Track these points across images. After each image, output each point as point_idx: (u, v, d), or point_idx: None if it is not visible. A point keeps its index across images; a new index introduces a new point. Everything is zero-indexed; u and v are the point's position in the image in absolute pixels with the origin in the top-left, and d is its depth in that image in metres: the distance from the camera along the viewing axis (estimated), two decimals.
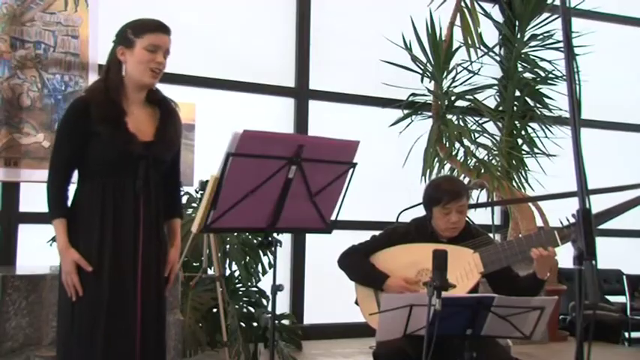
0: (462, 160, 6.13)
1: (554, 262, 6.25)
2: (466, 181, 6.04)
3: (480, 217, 5.83)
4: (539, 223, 6.18)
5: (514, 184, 6.27)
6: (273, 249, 2.60)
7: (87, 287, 2.44)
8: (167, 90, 2.77)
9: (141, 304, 2.47)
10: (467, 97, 6.29)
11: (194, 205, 4.71)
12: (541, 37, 6.50)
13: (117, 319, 2.44)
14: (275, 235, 2.60)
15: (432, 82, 6.27)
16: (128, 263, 2.47)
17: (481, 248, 3.08)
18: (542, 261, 2.95)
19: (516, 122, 6.47)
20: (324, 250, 4.38)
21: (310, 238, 6.07)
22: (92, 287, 2.44)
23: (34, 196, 4.95)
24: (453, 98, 6.28)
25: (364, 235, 3.35)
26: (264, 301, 4.80)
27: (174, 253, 2.69)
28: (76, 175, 2.57)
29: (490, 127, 6.47)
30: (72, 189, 2.59)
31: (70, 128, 2.51)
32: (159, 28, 2.55)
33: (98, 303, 2.43)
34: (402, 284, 3.06)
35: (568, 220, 2.98)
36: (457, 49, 6.25)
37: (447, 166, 6.21)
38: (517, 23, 6.54)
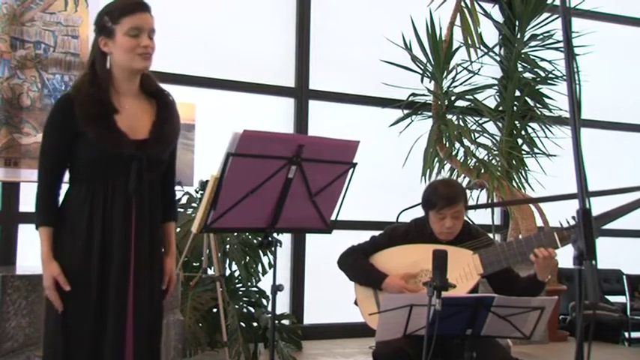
0: (462, 160, 6.14)
1: (555, 263, 6.30)
2: (466, 181, 6.05)
3: (480, 217, 5.84)
4: (539, 223, 6.18)
5: (514, 184, 6.27)
6: (273, 249, 2.59)
7: (74, 298, 2.28)
8: (167, 90, 2.63)
9: (133, 313, 2.31)
10: (467, 97, 6.29)
11: (194, 205, 4.71)
12: (541, 37, 6.50)
13: (104, 333, 2.28)
14: (275, 235, 2.59)
15: (432, 82, 6.28)
16: (118, 270, 2.29)
17: (480, 250, 3.07)
18: (542, 262, 2.94)
19: (516, 122, 6.48)
20: (324, 250, 4.38)
21: (310, 238, 6.07)
22: (77, 300, 2.28)
23: (34, 196, 4.95)
24: (453, 98, 6.28)
25: (364, 235, 3.35)
26: (264, 301, 4.80)
27: (171, 262, 2.51)
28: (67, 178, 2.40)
29: (490, 127, 6.47)
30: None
31: (54, 129, 2.34)
32: (136, 7, 2.31)
33: (83, 317, 2.28)
34: (400, 283, 3.06)
35: (568, 222, 2.98)
36: (457, 49, 6.25)
37: (447, 166, 6.21)
38: (517, 23, 6.55)
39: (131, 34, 2.29)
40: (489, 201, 6.24)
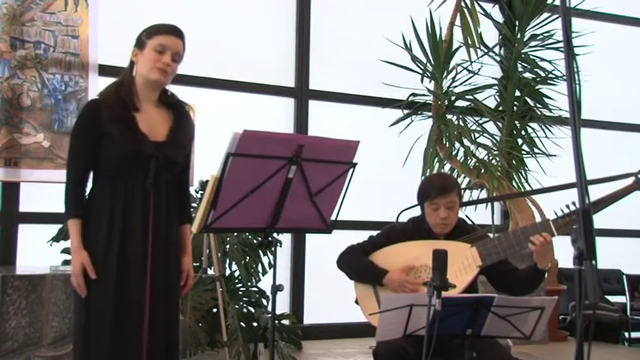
0: (462, 160, 6.13)
1: (555, 262, 6.31)
2: (466, 181, 6.04)
3: (480, 217, 5.84)
4: None
5: (514, 184, 6.27)
6: (273, 249, 2.60)
7: (95, 287, 2.48)
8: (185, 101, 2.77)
9: (150, 303, 2.49)
10: (467, 97, 6.29)
11: (194, 205, 4.71)
12: (541, 37, 6.50)
13: (124, 318, 2.47)
14: (275, 235, 2.60)
15: (432, 82, 6.28)
16: (136, 262, 2.48)
17: (478, 242, 3.08)
18: (540, 249, 2.95)
19: (516, 122, 6.47)
20: (324, 250, 4.38)
21: (310, 238, 6.07)
22: (100, 286, 2.48)
23: (34, 196, 4.96)
24: (453, 98, 6.28)
25: (364, 235, 3.35)
26: (264, 301, 4.80)
27: (188, 260, 2.71)
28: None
29: (490, 127, 6.47)
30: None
31: (81, 129, 2.57)
32: (170, 30, 2.62)
33: (105, 302, 2.47)
34: (402, 276, 3.06)
35: (562, 210, 2.99)
36: (457, 49, 6.25)
37: (447, 166, 6.21)
38: (517, 23, 6.55)
39: (157, 49, 2.57)
40: (488, 197, 6.23)
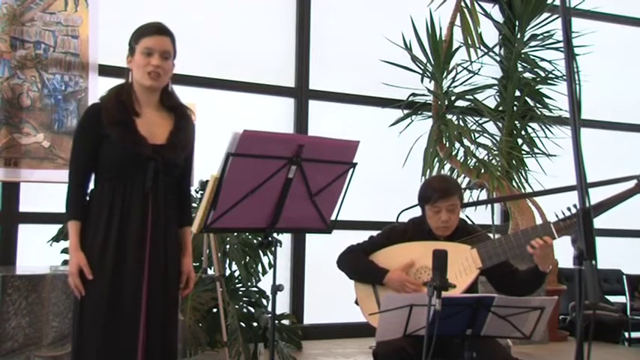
0: (462, 160, 6.13)
1: (555, 262, 6.31)
2: (466, 181, 6.04)
3: (480, 217, 5.84)
4: (539, 222, 6.17)
5: (514, 184, 6.27)
6: (273, 249, 2.60)
7: (90, 288, 2.50)
8: (186, 105, 2.78)
9: (146, 304, 2.50)
10: (467, 97, 6.29)
11: (194, 205, 4.70)
12: (541, 37, 6.50)
13: (118, 319, 2.48)
14: (275, 235, 2.60)
15: (432, 82, 6.28)
16: (133, 264, 2.50)
17: (479, 244, 3.08)
18: (540, 252, 2.95)
19: (516, 122, 6.47)
20: (324, 250, 4.38)
21: (310, 238, 6.07)
22: (94, 287, 2.50)
23: (34, 196, 4.96)
24: (453, 98, 6.28)
25: (364, 235, 3.35)
26: (264, 301, 4.80)
27: (188, 262, 2.72)
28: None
29: (490, 127, 6.47)
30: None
31: (82, 133, 2.62)
32: (155, 31, 2.60)
33: (99, 303, 2.49)
34: (402, 276, 3.06)
35: (564, 213, 2.99)
36: (457, 49, 6.25)
37: (447, 166, 6.21)
38: (517, 23, 6.55)
39: (145, 52, 2.58)
40: (488, 198, 6.23)
